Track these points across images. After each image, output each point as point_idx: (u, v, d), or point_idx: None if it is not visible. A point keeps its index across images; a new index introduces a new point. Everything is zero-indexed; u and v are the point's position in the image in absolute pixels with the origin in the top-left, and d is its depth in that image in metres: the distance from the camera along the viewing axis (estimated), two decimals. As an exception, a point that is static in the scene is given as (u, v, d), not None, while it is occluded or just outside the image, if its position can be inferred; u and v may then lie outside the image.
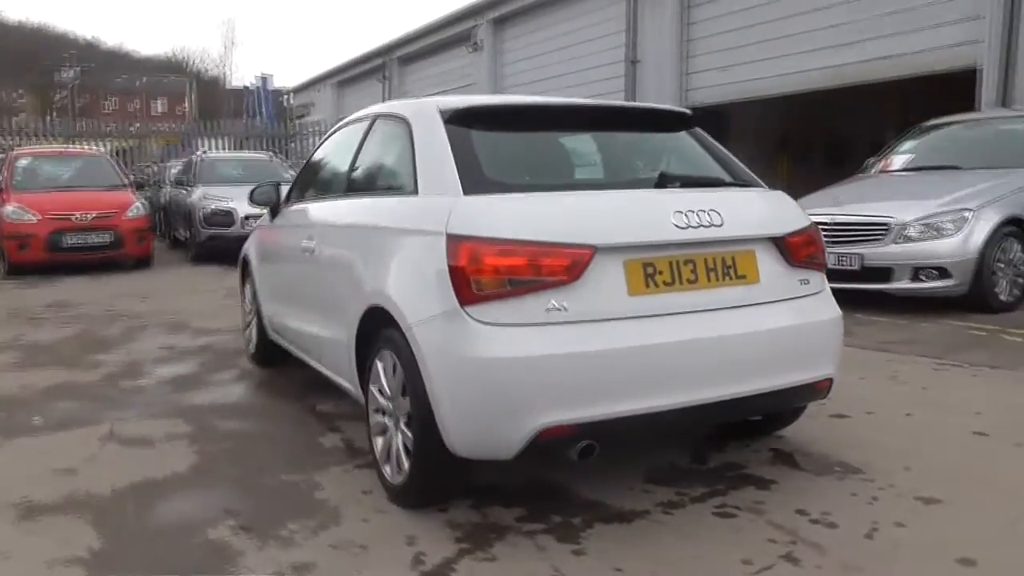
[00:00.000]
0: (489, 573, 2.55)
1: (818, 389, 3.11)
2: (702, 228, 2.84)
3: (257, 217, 11.17)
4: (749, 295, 2.94)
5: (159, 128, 26.21)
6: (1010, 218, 6.05)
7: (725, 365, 2.81)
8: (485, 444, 2.67)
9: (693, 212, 2.84)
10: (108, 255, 10.85)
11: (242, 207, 11.41)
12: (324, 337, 3.75)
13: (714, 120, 16.22)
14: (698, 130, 3.54)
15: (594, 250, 2.67)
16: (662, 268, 2.79)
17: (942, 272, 5.96)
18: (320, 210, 3.90)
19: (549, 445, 2.64)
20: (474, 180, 2.88)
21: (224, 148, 22.49)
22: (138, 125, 26.70)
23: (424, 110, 3.28)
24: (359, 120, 4.04)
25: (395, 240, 3.07)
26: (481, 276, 2.62)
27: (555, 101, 3.56)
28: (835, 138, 17.30)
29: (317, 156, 4.54)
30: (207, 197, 11.73)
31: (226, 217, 11.41)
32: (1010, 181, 6.30)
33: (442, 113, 3.17)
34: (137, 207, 11.27)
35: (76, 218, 10.74)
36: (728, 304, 2.88)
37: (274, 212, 4.74)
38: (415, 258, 2.89)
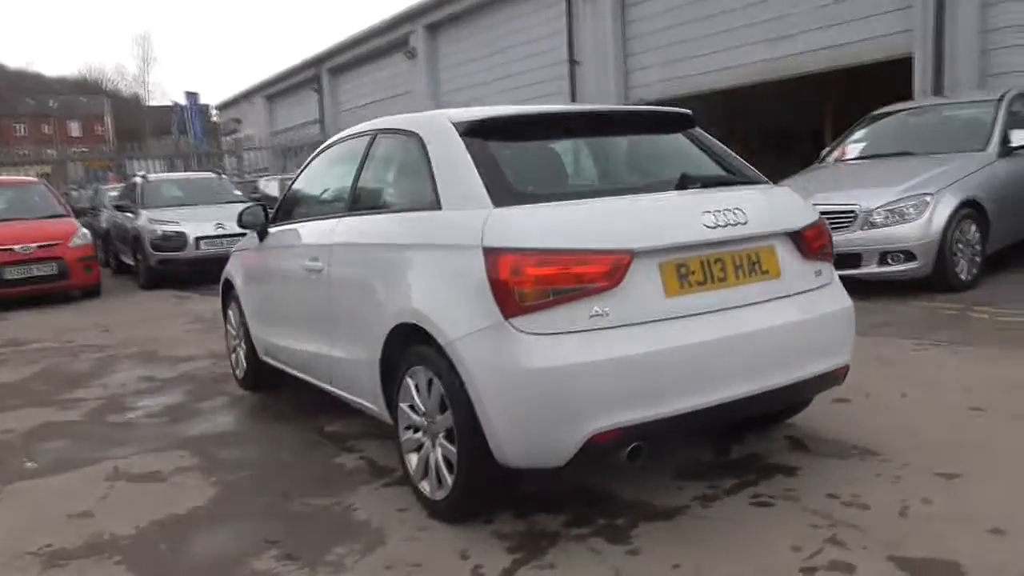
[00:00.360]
0: (551, 581, 2.58)
1: (837, 376, 3.23)
2: (729, 227, 2.92)
3: (214, 238, 11.22)
4: (773, 289, 3.03)
5: (80, 152, 25.36)
6: (966, 200, 6.33)
7: (758, 359, 2.89)
8: (537, 453, 2.70)
9: (720, 212, 2.92)
10: (55, 286, 10.46)
11: (194, 229, 11.20)
12: (339, 357, 3.71)
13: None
14: (698, 130, 3.63)
15: (632, 254, 2.72)
16: (694, 268, 2.85)
17: (908, 255, 6.20)
18: (325, 230, 3.85)
19: (599, 449, 2.67)
20: (502, 192, 2.90)
21: (156, 169, 21.91)
22: (52, 151, 25.75)
23: (436, 124, 3.29)
24: (355, 137, 4.02)
25: (422, 256, 3.06)
26: (524, 287, 2.65)
27: (563, 108, 3.60)
28: (778, 130, 17.76)
29: (308, 175, 4.49)
30: (155, 221, 11.43)
31: (177, 240, 11.13)
32: (962, 165, 6.60)
33: (456, 126, 3.18)
34: (82, 235, 10.89)
35: (18, 250, 10.33)
36: (755, 300, 2.97)
37: (262, 234, 4.65)
38: (449, 273, 2.89)
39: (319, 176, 4.41)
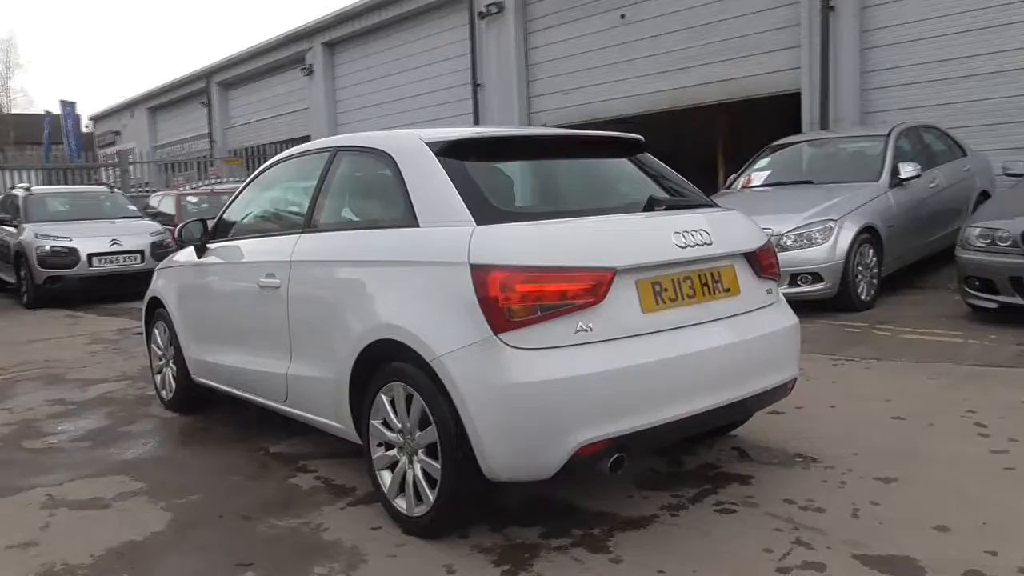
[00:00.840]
0: (543, 591, 2.63)
1: (787, 388, 3.44)
2: (697, 247, 3.08)
3: (109, 255, 10.67)
4: (734, 306, 3.21)
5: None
6: (865, 227, 6.82)
7: (724, 372, 3.06)
8: (526, 466, 2.75)
9: (688, 232, 3.08)
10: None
11: (87, 245, 10.64)
12: (296, 375, 3.64)
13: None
14: (648, 154, 3.80)
15: (614, 272, 2.83)
16: (667, 285, 2.99)
17: (815, 276, 6.62)
18: (281, 246, 3.78)
19: (584, 461, 2.75)
20: (483, 210, 2.96)
21: (33, 181, 20.60)
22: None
23: (408, 143, 3.32)
24: (310, 154, 3.99)
25: (399, 273, 3.07)
26: (513, 303, 2.71)
27: (530, 131, 3.70)
28: (674, 157, 18.44)
29: (253, 191, 4.40)
30: (42, 236, 10.78)
31: (68, 257, 10.53)
32: (859, 194, 7.11)
33: (431, 145, 3.22)
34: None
35: None
36: (719, 316, 3.14)
37: (200, 249, 4.51)
38: (431, 289, 2.92)
39: (267, 192, 4.33)
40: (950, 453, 3.66)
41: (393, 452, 3.13)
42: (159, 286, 5.03)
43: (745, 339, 3.15)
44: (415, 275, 3.00)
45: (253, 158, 21.06)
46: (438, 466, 2.89)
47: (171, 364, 4.96)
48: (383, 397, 3.12)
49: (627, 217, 3.17)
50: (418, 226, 3.09)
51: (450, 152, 3.19)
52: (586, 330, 2.78)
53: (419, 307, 2.94)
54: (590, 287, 2.78)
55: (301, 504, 3.45)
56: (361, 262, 3.28)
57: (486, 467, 2.76)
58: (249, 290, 3.95)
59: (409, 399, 3.00)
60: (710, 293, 3.13)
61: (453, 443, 2.81)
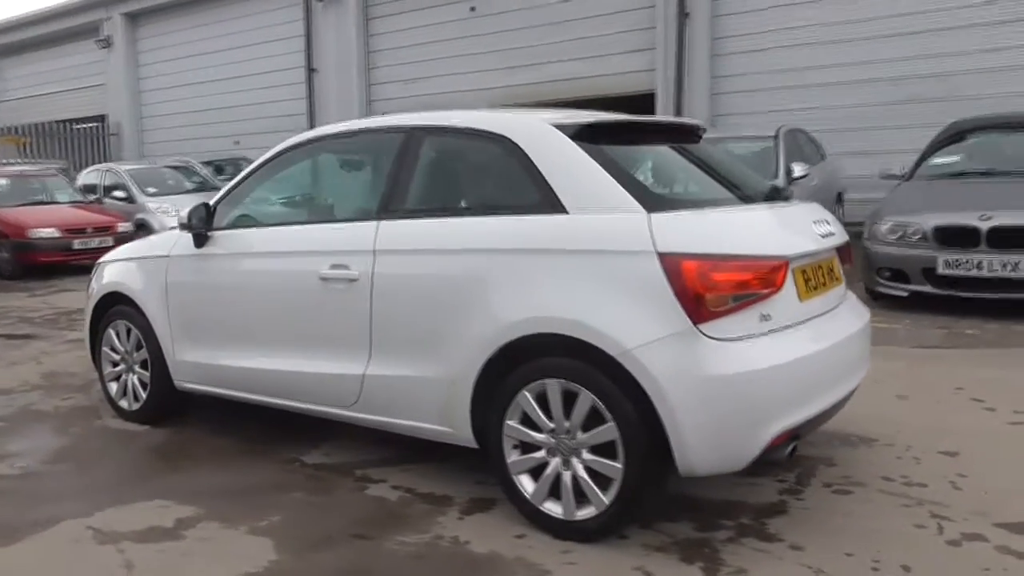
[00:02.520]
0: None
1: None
2: (829, 237, 3.17)
3: None
4: (841, 294, 3.34)
5: None
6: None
7: (853, 359, 3.18)
8: (725, 459, 2.70)
9: (819, 223, 3.16)
10: None
11: None
12: (380, 376, 3.29)
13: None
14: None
15: (788, 261, 2.84)
16: (811, 274, 3.06)
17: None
18: (352, 234, 3.38)
19: (773, 451, 2.75)
20: (646, 197, 2.86)
21: None
22: None
23: (535, 128, 3.12)
24: (365, 133, 3.64)
25: (550, 261, 2.88)
26: (710, 293, 2.65)
27: (647, 118, 3.53)
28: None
29: (273, 173, 3.89)
30: None
31: None
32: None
33: (562, 129, 3.05)
34: None
35: None
36: (835, 304, 3.24)
37: (200, 238, 3.94)
38: (599, 278, 2.77)
39: (296, 176, 3.87)
40: (976, 427, 4.03)
41: (540, 454, 2.93)
42: (124, 280, 4.33)
43: (861, 327, 3.30)
44: (572, 263, 2.84)
45: (39, 137, 18.68)
46: (618, 465, 2.75)
47: (136, 370, 4.31)
48: (527, 395, 2.91)
49: (778, 207, 3.18)
50: (565, 212, 2.92)
51: (584, 136, 3.05)
52: (768, 319, 2.78)
53: (588, 298, 2.77)
54: (773, 276, 2.78)
55: (409, 517, 3.14)
56: (491, 251, 3.03)
57: (685, 462, 2.67)
58: (302, 284, 3.51)
59: (569, 396, 2.82)
60: (831, 282, 3.24)
61: (638, 440, 2.70)
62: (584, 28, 13.29)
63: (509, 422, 2.97)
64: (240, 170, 16.49)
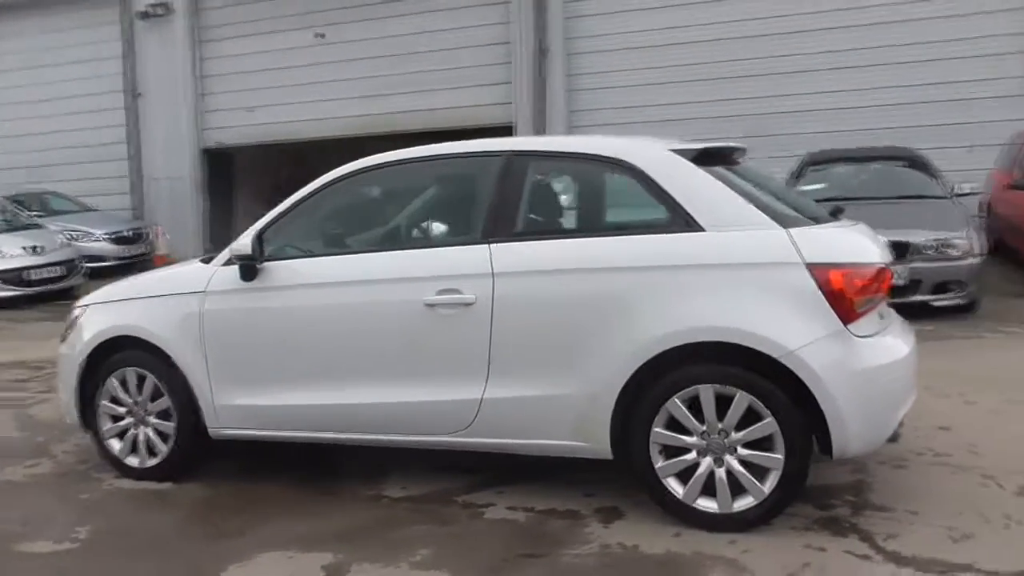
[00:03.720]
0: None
1: None
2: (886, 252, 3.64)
3: None
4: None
5: None
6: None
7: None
8: (869, 441, 3.08)
9: (876, 240, 3.60)
10: None
11: None
12: (502, 399, 3.32)
13: (220, 159, 15.71)
14: None
15: (888, 269, 3.28)
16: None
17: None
18: (460, 257, 3.38)
19: (895, 434, 3.16)
20: (775, 214, 3.19)
21: None
22: None
23: (656, 153, 3.38)
24: (463, 157, 3.69)
25: (695, 276, 3.12)
26: (856, 297, 3.02)
27: (721, 143, 3.72)
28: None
29: (330, 200, 3.79)
30: None
31: None
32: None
33: (682, 154, 3.32)
34: None
35: None
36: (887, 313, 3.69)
37: (248, 270, 3.72)
38: (749, 289, 3.06)
39: (363, 203, 3.83)
40: (948, 409, 4.63)
41: (691, 456, 3.14)
42: (137, 323, 3.94)
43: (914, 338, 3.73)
44: (721, 276, 3.10)
45: None
46: (779, 456, 3.02)
47: (151, 421, 3.95)
48: (677, 402, 3.11)
49: (855, 223, 3.56)
50: (701, 230, 3.17)
51: (701, 160, 3.33)
52: (883, 319, 3.19)
53: (743, 306, 3.05)
54: (887, 281, 3.20)
55: (557, 533, 3.22)
56: (632, 268, 3.20)
57: (841, 445, 2.99)
58: (401, 311, 3.46)
59: (721, 399, 3.06)
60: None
61: (796, 432, 2.99)
62: (437, 60, 13.48)
63: (656, 429, 3.15)
64: (48, 205, 14.73)
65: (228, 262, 3.82)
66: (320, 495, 3.73)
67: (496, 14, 13.29)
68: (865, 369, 3.00)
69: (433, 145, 3.74)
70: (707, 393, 3.08)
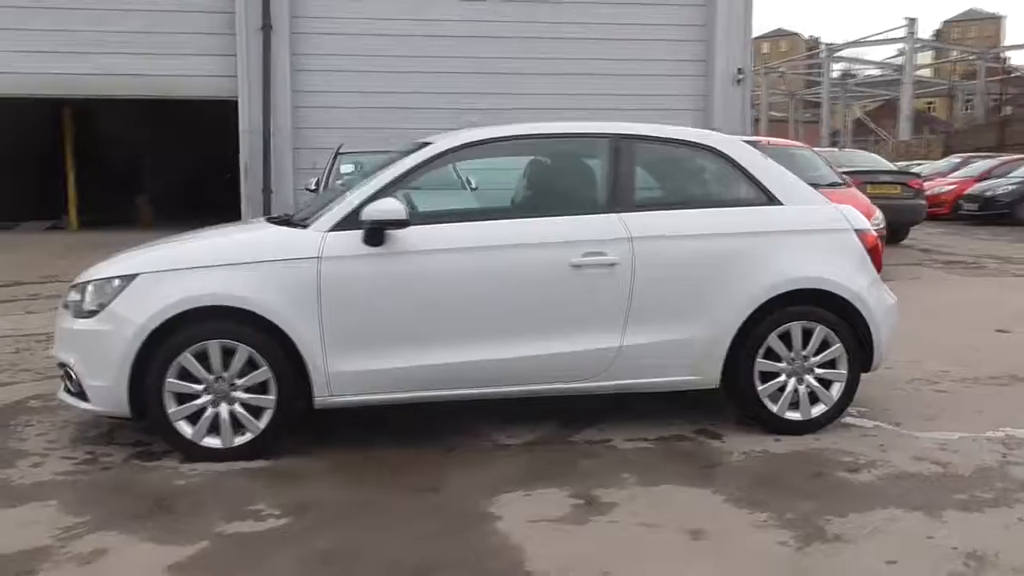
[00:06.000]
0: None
1: None
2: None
3: None
4: None
5: None
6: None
7: None
8: (887, 356, 4.31)
9: None
10: None
11: None
12: (638, 345, 3.89)
13: None
14: None
15: (872, 235, 4.59)
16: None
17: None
18: (599, 225, 3.88)
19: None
20: (815, 192, 4.29)
21: None
22: None
23: (735, 141, 4.26)
24: (575, 137, 4.21)
25: (787, 239, 4.07)
26: (878, 254, 4.26)
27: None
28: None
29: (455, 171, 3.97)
30: None
31: None
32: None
33: (748, 143, 4.26)
34: None
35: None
36: None
37: (376, 236, 3.75)
38: (825, 248, 4.12)
39: (495, 177, 4.07)
40: None
41: (781, 379, 4.08)
42: (234, 292, 3.66)
43: None
44: (806, 239, 4.11)
45: None
46: (843, 372, 4.11)
47: (237, 395, 3.72)
48: (775, 337, 4.05)
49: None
50: (781, 204, 4.14)
51: (756, 147, 4.30)
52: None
53: (824, 262, 4.09)
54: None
55: (723, 450, 3.92)
56: (743, 233, 4.04)
57: (878, 359, 4.19)
58: (547, 272, 3.85)
59: (807, 332, 4.07)
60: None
61: (856, 354, 4.13)
62: (151, 21, 12.21)
63: (759, 359, 4.05)
64: None
65: (338, 226, 3.78)
66: (449, 451, 3.90)
67: (219, -20, 12.57)
68: (890, 307, 4.25)
69: (541, 123, 4.15)
70: (796, 329, 4.06)
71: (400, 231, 3.76)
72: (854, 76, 47.70)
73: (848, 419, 4.27)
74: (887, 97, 45.82)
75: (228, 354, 3.69)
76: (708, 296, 3.98)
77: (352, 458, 3.81)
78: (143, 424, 3.83)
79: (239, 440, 3.74)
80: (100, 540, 2.94)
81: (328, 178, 9.01)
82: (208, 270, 3.75)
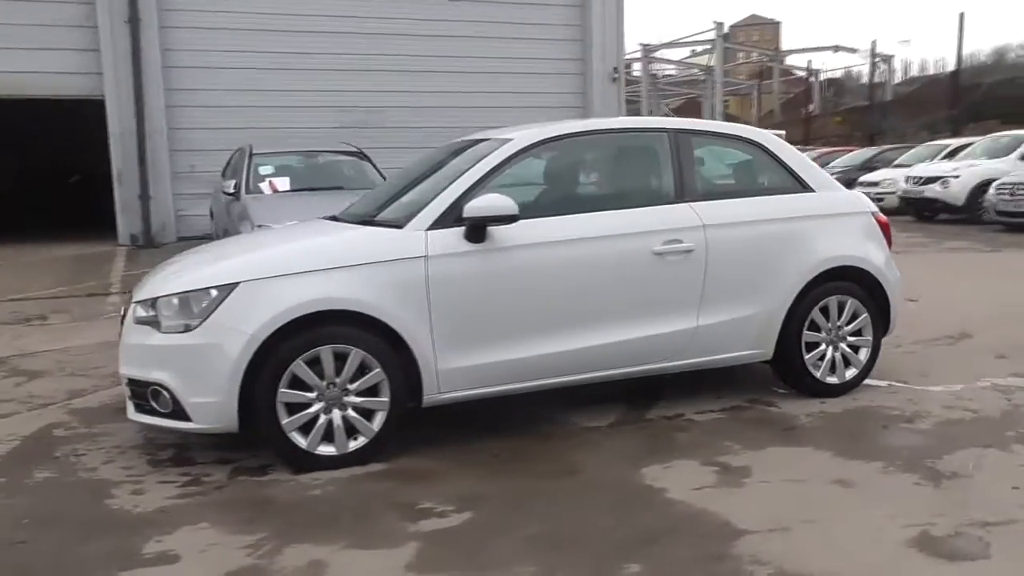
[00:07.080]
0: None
1: None
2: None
3: None
4: None
5: None
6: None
7: None
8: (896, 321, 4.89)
9: None
10: None
11: None
12: (711, 324, 4.20)
13: None
14: None
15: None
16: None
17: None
18: (676, 215, 4.13)
19: (884, 320, 5.08)
20: (834, 180, 4.81)
21: None
22: None
23: (769, 135, 4.64)
24: (636, 131, 4.44)
25: (825, 223, 4.53)
26: (887, 233, 4.83)
27: None
28: None
29: (534, 167, 4.11)
30: None
31: None
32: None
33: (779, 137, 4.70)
34: None
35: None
36: None
37: (477, 233, 3.80)
38: (851, 230, 4.61)
39: (563, 171, 4.35)
40: None
41: (823, 347, 4.54)
42: (347, 295, 3.59)
43: None
44: (839, 222, 4.59)
45: None
46: (870, 339, 4.63)
47: (350, 400, 3.65)
48: (816, 310, 4.50)
49: None
50: (813, 191, 4.60)
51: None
52: (888, 248, 5.09)
53: (855, 241, 4.59)
54: (881, 224, 5.08)
55: (787, 413, 4.29)
56: (793, 218, 4.44)
57: (894, 325, 4.75)
58: (633, 260, 4.06)
59: (841, 305, 4.56)
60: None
61: (879, 323, 4.66)
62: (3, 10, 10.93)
63: (806, 331, 4.48)
64: None
65: (436, 224, 3.80)
66: (541, 438, 4.01)
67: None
68: (899, 279, 4.83)
69: (605, 119, 4.35)
70: (833, 302, 4.53)
71: (501, 227, 3.83)
72: (661, 77, 50.99)
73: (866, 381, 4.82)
74: (691, 95, 49.31)
75: (338, 359, 3.61)
76: (767, 276, 4.35)
77: (461, 454, 3.82)
78: (244, 437, 3.64)
79: (353, 445, 3.66)
80: (304, 553, 2.83)
81: (249, 180, 8.63)
82: (317, 274, 3.63)
